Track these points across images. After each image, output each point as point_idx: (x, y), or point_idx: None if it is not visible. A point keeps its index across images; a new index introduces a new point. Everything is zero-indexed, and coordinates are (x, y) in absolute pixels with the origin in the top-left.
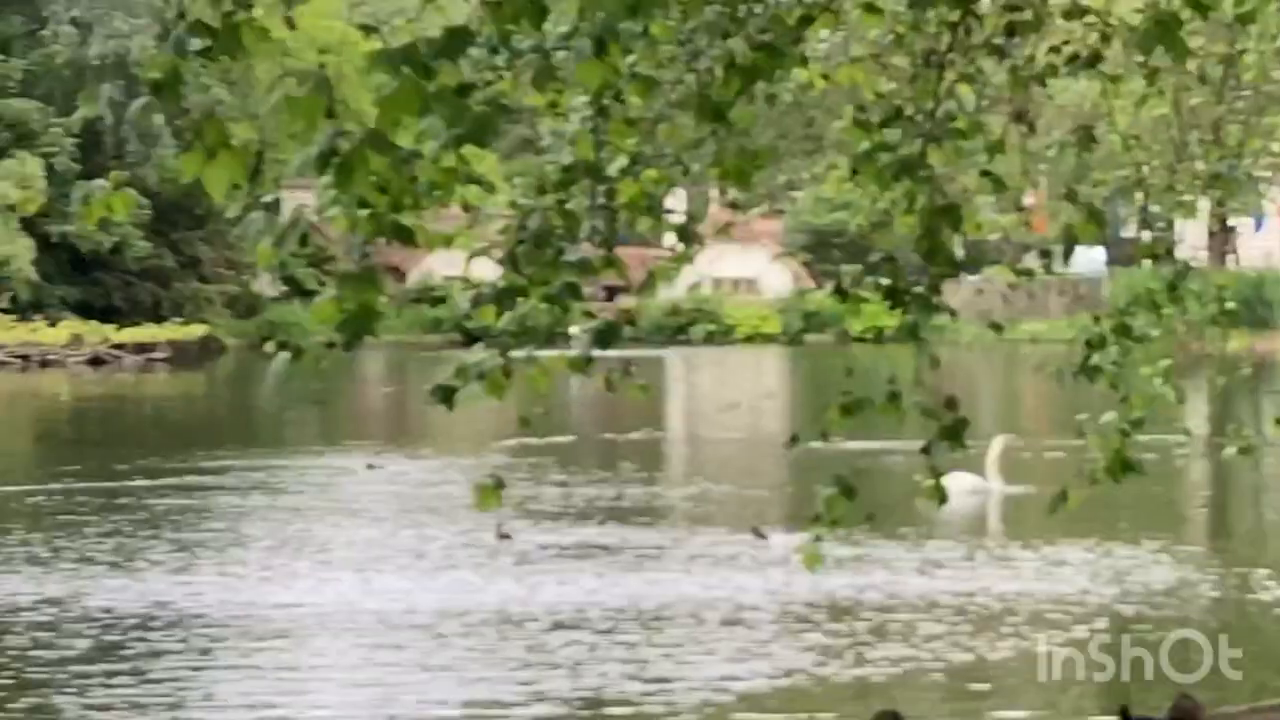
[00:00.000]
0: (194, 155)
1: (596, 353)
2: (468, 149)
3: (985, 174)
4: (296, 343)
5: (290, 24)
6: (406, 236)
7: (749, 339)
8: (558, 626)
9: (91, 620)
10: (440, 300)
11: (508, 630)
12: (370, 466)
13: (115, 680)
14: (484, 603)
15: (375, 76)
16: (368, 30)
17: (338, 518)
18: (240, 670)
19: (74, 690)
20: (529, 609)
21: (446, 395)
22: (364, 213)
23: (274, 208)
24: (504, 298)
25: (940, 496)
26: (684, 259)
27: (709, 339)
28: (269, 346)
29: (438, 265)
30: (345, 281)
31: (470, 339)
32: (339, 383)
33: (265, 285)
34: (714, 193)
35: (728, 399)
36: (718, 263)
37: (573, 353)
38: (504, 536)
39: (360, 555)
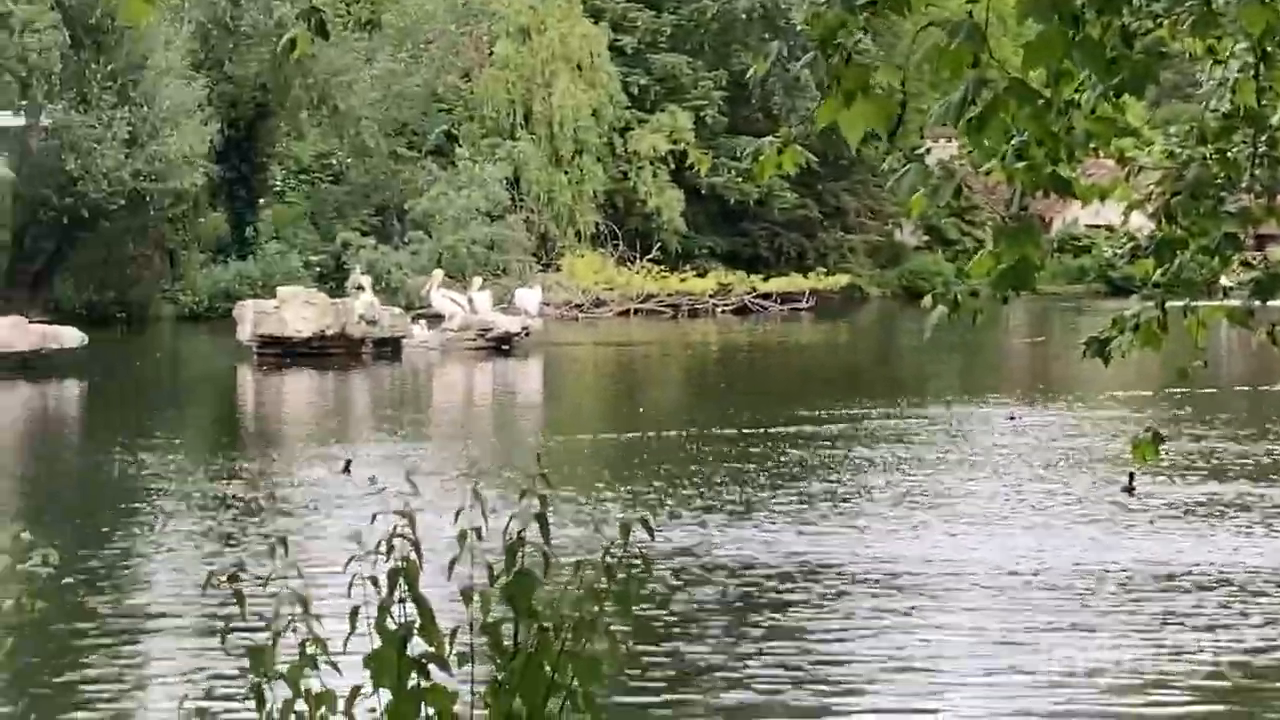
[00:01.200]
0: (830, 102)
1: (1258, 304)
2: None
3: None
4: (955, 294)
5: None
6: (1064, 189)
7: None
8: (1198, 588)
9: (721, 569)
10: (1085, 250)
11: (1143, 590)
12: (1011, 418)
13: (745, 631)
14: (1118, 561)
15: (1023, 25)
16: None
17: (968, 470)
18: (872, 625)
19: (706, 640)
20: (1168, 568)
21: (1101, 348)
22: (1021, 165)
23: (921, 159)
24: (1162, 249)
25: None
26: None
27: None
28: (926, 301)
29: (1083, 215)
30: (1003, 234)
31: (1115, 289)
32: (982, 333)
33: (908, 235)
34: None
35: None
36: None
37: (1232, 304)
38: (1129, 490)
39: (989, 509)
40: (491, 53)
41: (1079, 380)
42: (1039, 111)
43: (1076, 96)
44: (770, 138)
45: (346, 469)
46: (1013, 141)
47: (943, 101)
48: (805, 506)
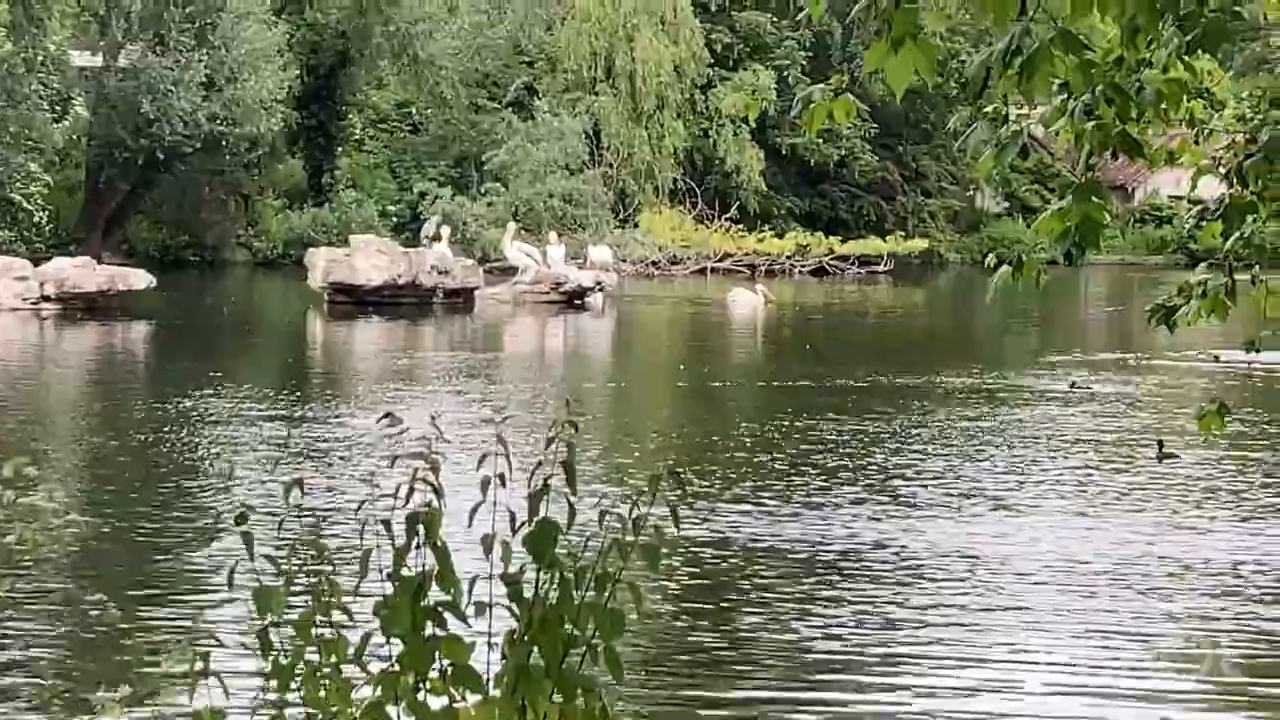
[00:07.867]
0: (878, 48)
1: None
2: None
3: None
4: (1017, 255)
5: None
6: (1133, 149)
7: None
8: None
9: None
10: (1166, 220)
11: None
12: (1074, 386)
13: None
14: (1199, 553)
15: None
16: None
17: (1034, 448)
18: (934, 612)
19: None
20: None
21: (1166, 316)
22: (1090, 125)
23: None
24: (1230, 215)
25: None
26: None
27: None
28: (990, 259)
29: (1164, 184)
30: (1068, 192)
31: (1195, 260)
32: (1060, 301)
33: (989, 201)
34: None
35: None
36: None
37: None
38: (1159, 458)
39: (1043, 492)
40: (574, 5)
41: (1153, 347)
42: (1088, 65)
43: (1149, 55)
44: (821, 85)
45: (389, 421)
46: (1081, 98)
47: (985, 51)
48: (836, 484)
